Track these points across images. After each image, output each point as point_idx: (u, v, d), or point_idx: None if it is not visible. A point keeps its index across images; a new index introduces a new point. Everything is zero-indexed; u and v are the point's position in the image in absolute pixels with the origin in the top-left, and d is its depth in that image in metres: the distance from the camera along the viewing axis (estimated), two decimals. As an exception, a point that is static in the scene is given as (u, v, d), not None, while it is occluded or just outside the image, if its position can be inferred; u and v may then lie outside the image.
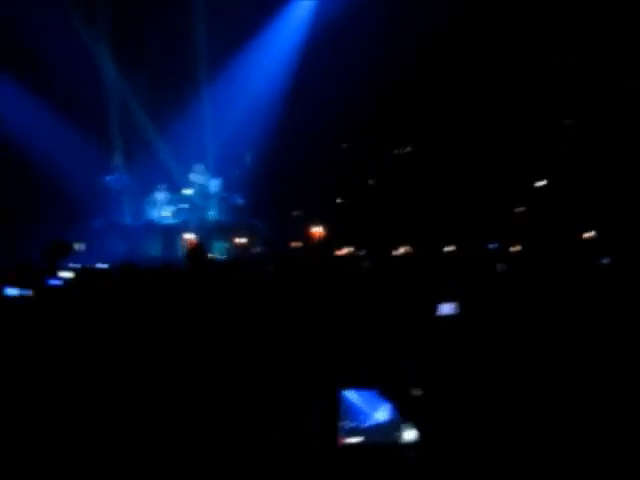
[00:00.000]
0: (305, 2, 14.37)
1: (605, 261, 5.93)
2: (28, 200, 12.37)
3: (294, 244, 8.65)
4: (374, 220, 12.39)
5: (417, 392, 3.67)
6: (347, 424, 3.36)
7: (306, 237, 8.54)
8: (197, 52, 13.90)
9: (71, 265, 7.64)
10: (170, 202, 13.52)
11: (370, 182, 14.31)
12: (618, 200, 10.31)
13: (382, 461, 3.35)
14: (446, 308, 4.88)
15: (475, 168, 12.59)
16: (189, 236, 6.22)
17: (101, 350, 4.37)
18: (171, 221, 13.27)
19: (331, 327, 4.42)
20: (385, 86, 13.13)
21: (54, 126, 12.75)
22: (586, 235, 8.43)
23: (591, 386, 3.63)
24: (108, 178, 13.53)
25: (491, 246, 8.68)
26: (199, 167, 13.73)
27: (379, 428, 3.39)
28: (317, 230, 7.83)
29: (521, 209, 11.81)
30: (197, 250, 7.33)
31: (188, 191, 13.75)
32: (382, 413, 3.40)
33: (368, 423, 3.39)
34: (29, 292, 5.64)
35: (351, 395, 3.44)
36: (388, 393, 3.49)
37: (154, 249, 12.41)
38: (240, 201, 13.62)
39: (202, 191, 13.60)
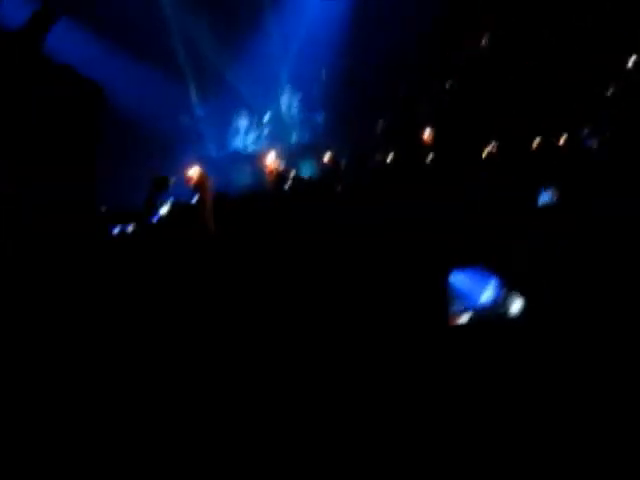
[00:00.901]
0: None
1: None
2: (118, 143, 12.64)
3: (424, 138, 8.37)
4: (459, 122, 12.08)
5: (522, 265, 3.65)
6: (457, 307, 3.38)
7: (418, 142, 8.34)
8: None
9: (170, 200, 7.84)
10: (252, 129, 13.55)
11: (450, 84, 13.87)
12: None
13: (490, 337, 3.36)
14: (546, 196, 4.83)
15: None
16: (270, 159, 6.19)
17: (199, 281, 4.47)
18: (256, 147, 13.32)
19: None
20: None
21: (127, 69, 12.88)
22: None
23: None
24: (186, 114, 13.64)
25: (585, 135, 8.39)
26: (287, 87, 13.65)
27: (487, 306, 3.41)
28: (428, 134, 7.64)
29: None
30: (278, 175, 7.32)
31: (268, 116, 13.78)
32: (489, 292, 3.41)
33: (476, 303, 3.41)
34: (130, 228, 5.84)
35: (459, 278, 3.46)
36: (493, 268, 3.48)
37: (243, 178, 12.52)
38: (321, 119, 13.54)
39: (283, 113, 13.58)
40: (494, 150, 8.74)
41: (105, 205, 9.13)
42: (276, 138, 13.37)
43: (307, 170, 12.00)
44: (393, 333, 3.59)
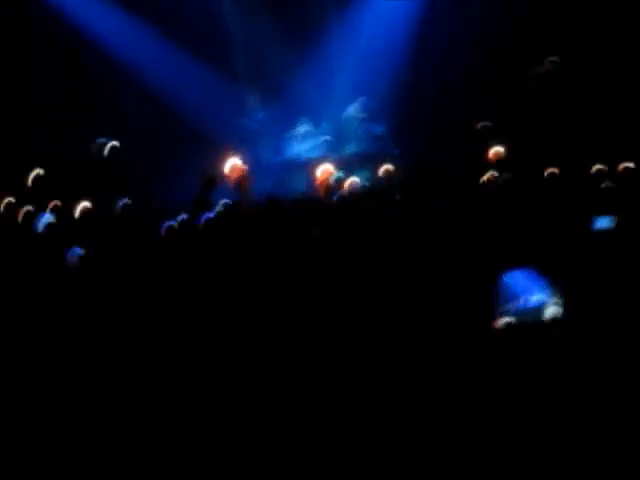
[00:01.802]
0: None
1: None
2: (172, 141, 12.79)
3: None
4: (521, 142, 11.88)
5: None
6: (504, 307, 3.36)
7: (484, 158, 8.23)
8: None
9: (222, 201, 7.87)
10: (311, 136, 13.55)
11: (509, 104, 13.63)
12: None
13: (528, 341, 3.32)
14: (603, 222, 4.73)
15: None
16: (322, 170, 6.14)
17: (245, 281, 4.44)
18: (312, 155, 13.29)
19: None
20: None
21: (188, 67, 13.03)
22: None
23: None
24: (246, 118, 13.71)
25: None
26: (361, 99, 13.61)
27: (534, 309, 3.38)
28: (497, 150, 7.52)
29: None
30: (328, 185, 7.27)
31: (326, 125, 13.79)
32: (539, 295, 3.38)
33: (525, 305, 3.38)
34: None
35: (511, 278, 3.43)
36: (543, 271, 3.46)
37: (297, 184, 12.51)
38: (381, 131, 13.48)
39: (341, 123, 13.56)
40: (556, 172, 8.58)
41: (157, 201, 9.29)
42: (333, 147, 13.34)
43: (362, 180, 11.91)
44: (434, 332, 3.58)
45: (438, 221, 4.88)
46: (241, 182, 6.32)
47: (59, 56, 12.84)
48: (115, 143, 11.09)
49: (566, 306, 3.45)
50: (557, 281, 3.54)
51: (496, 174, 8.47)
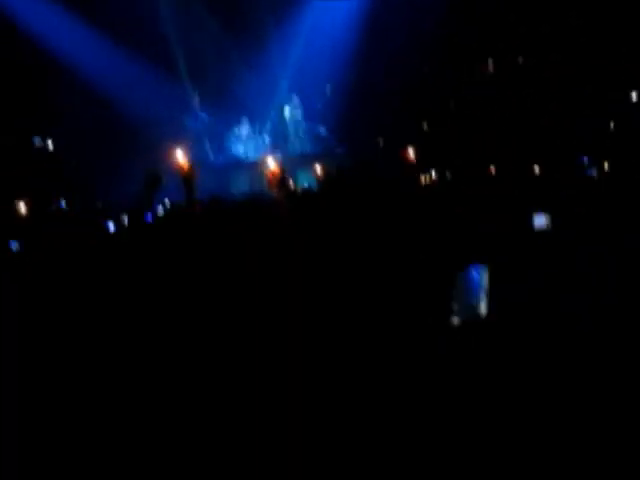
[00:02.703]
0: None
1: None
2: (114, 139, 12.62)
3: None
4: (461, 143, 12.09)
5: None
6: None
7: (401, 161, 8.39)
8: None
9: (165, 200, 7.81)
10: (252, 136, 13.58)
11: (451, 105, 13.88)
12: None
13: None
14: (540, 220, 4.84)
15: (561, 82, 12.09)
16: (271, 165, 6.11)
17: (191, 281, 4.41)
18: (255, 155, 13.33)
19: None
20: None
21: (131, 67, 12.88)
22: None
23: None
24: (189, 117, 13.65)
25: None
26: (293, 97, 13.67)
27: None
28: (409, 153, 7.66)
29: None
30: (281, 179, 7.26)
31: (269, 125, 13.85)
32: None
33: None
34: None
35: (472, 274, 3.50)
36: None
37: (241, 185, 12.52)
38: (323, 131, 13.57)
39: (284, 123, 13.62)
40: (493, 172, 8.77)
41: (101, 200, 9.15)
42: (276, 147, 13.38)
43: (304, 180, 11.98)
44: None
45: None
46: (189, 177, 6.23)
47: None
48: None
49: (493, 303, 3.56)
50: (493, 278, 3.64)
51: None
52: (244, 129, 13.65)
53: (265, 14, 13.87)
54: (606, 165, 7.95)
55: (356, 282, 4.02)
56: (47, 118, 12.25)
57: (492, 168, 8.88)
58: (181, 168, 5.08)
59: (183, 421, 3.35)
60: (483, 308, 3.62)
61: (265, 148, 13.41)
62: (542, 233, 4.78)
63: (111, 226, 6.18)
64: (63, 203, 7.63)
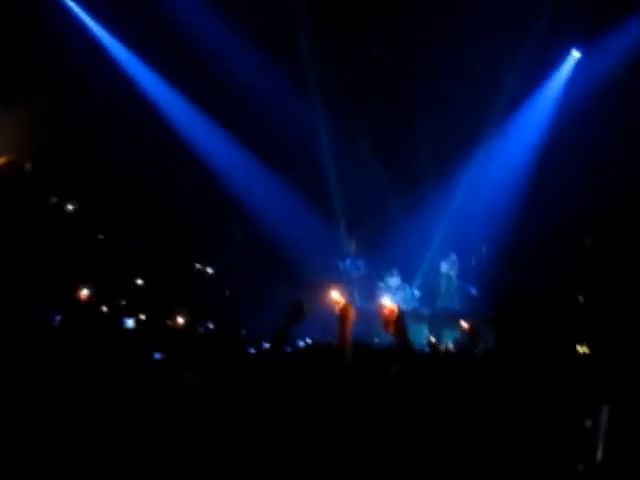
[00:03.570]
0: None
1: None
2: (269, 272, 13.02)
3: None
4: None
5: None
6: None
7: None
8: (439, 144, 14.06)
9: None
10: (402, 287, 13.62)
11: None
12: None
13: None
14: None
15: None
16: (388, 303, 6.00)
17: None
18: (404, 306, 13.29)
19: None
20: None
21: (292, 205, 13.44)
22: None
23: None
24: (343, 261, 13.92)
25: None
26: (451, 255, 13.73)
27: None
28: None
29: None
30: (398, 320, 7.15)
31: (419, 278, 13.89)
32: None
33: None
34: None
35: None
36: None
37: (385, 334, 12.45)
38: (474, 291, 13.39)
39: (437, 278, 13.61)
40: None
41: (245, 328, 9.36)
42: (425, 301, 13.34)
43: (449, 338, 11.75)
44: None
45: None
46: (345, 315, 6.23)
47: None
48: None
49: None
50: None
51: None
52: (394, 280, 13.73)
53: (427, 166, 14.21)
54: None
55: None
56: (211, 246, 12.92)
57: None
58: (338, 305, 5.11)
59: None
60: (599, 453, 3.47)
61: (414, 301, 13.41)
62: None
63: (251, 350, 6.26)
64: (210, 324, 7.90)
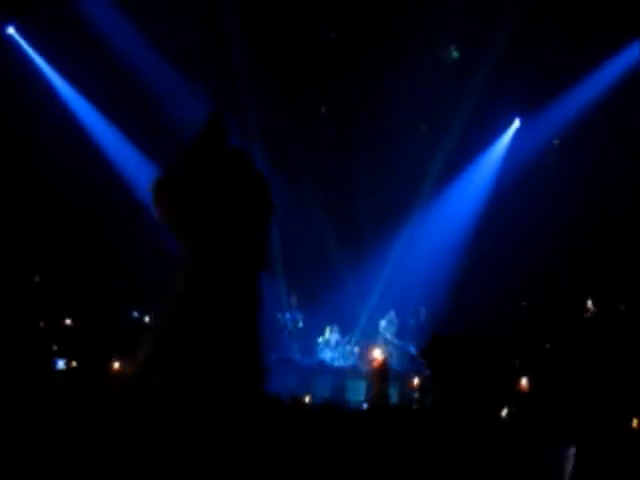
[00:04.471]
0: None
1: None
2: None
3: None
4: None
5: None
6: None
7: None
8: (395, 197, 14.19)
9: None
10: (341, 343, 13.56)
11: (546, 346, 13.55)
12: None
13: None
14: None
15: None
16: (378, 355, 5.92)
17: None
18: (342, 363, 13.25)
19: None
20: (581, 239, 12.83)
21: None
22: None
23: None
24: (284, 315, 13.77)
25: None
26: (390, 313, 13.73)
27: None
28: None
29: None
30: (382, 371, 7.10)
31: (357, 335, 13.86)
32: None
33: None
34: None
35: None
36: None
37: (323, 389, 12.34)
38: (413, 350, 13.40)
39: (374, 336, 13.58)
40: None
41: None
42: (364, 358, 13.27)
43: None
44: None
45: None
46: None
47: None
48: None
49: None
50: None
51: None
52: (334, 336, 13.63)
53: (368, 222, 14.30)
54: None
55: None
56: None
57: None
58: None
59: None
60: None
61: (353, 357, 13.34)
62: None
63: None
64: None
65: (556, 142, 14.62)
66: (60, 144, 12.79)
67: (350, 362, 13.33)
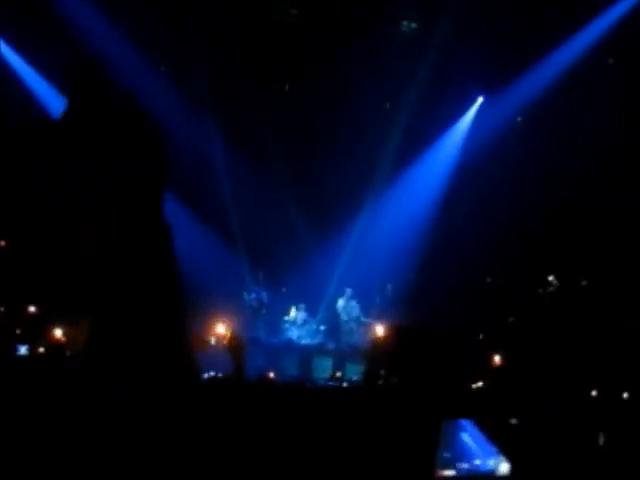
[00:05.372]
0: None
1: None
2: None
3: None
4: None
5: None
6: (462, 465, 3.50)
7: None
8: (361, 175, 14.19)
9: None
10: (308, 322, 13.58)
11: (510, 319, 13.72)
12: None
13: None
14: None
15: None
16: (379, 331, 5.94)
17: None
18: (308, 342, 13.29)
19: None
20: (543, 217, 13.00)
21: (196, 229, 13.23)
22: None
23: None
24: (249, 294, 13.73)
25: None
26: (347, 291, 13.75)
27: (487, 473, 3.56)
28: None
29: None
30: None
31: (323, 314, 13.91)
32: (495, 460, 3.57)
33: (483, 469, 3.55)
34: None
35: (467, 436, 3.60)
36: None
37: (290, 368, 12.36)
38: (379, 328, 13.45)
39: (340, 315, 13.62)
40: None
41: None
42: (330, 336, 13.33)
43: (353, 373, 11.74)
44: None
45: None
46: (236, 350, 6.10)
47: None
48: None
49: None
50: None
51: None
52: (301, 314, 13.65)
53: (335, 199, 14.31)
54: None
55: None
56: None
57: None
58: (224, 339, 5.12)
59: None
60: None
61: (320, 336, 13.39)
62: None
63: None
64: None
65: (520, 119, 14.73)
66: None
67: (316, 340, 13.35)
